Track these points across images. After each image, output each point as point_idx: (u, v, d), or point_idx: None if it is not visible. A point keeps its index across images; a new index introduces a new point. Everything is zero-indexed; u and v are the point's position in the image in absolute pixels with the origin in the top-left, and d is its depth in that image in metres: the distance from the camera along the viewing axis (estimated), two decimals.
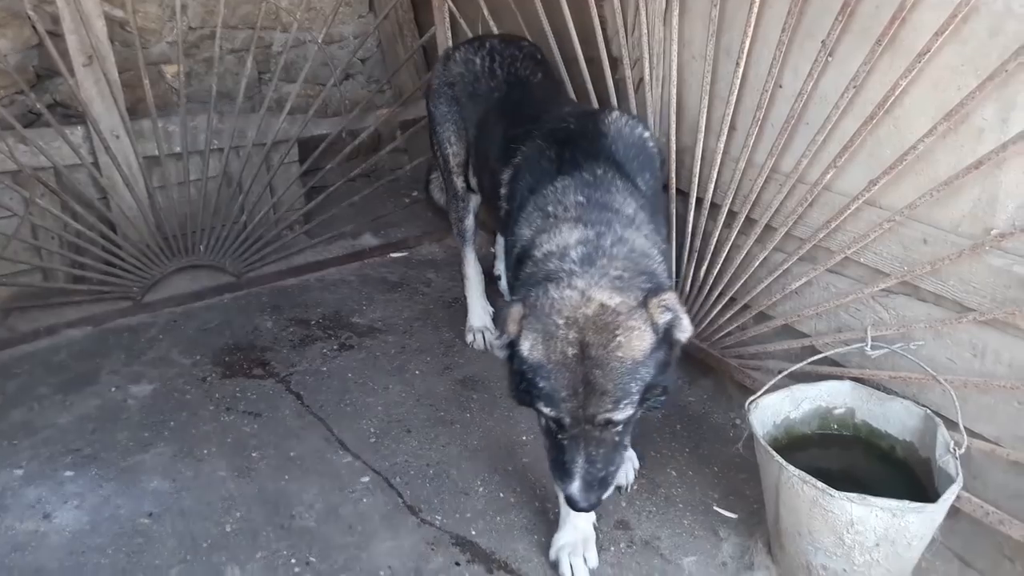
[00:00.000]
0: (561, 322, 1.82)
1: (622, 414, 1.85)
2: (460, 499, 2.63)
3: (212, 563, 2.40)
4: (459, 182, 3.29)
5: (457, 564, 2.38)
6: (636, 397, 1.85)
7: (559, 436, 1.91)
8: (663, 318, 1.85)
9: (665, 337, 1.87)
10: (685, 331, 1.89)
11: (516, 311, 1.87)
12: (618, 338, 1.80)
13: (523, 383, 1.90)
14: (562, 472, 1.92)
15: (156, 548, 2.46)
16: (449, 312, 3.83)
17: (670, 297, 1.86)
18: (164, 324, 3.79)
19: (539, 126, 2.50)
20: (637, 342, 1.82)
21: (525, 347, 1.85)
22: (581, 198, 2.14)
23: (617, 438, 1.93)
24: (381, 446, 2.89)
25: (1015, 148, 1.95)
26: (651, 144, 2.50)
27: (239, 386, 3.26)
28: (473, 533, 2.49)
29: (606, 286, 1.87)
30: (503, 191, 2.50)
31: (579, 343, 1.80)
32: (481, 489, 2.68)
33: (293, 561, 2.40)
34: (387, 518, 2.56)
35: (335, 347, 3.55)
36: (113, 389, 3.26)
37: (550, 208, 2.15)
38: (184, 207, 4.04)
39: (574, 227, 2.05)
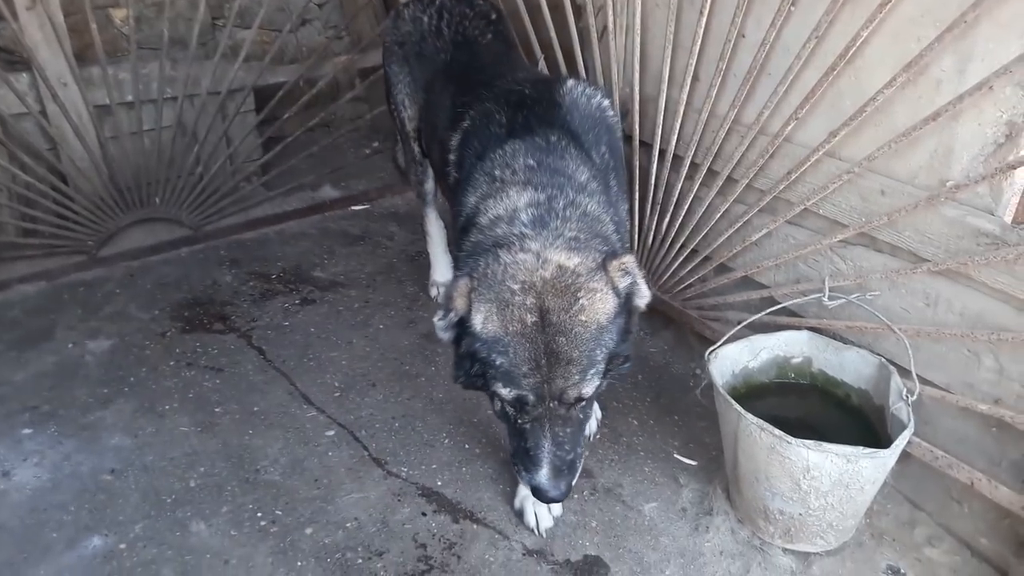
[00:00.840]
0: (517, 287, 1.69)
1: (590, 386, 1.73)
2: (426, 451, 2.65)
3: (177, 518, 2.40)
4: (416, 148, 3.08)
5: (424, 514, 2.41)
6: (601, 367, 1.74)
7: (519, 421, 1.78)
8: (623, 282, 1.76)
9: (625, 302, 1.78)
10: (644, 297, 1.80)
11: (463, 285, 1.72)
12: (580, 301, 1.69)
13: (475, 365, 1.76)
14: (528, 461, 1.78)
15: (119, 504, 2.45)
16: (412, 266, 3.81)
17: (630, 260, 1.78)
18: (120, 278, 3.72)
19: (490, 89, 2.34)
20: (600, 305, 1.72)
21: (477, 321, 1.70)
22: (531, 162, 2.00)
23: (582, 415, 1.82)
24: (346, 400, 2.89)
25: (971, 100, 1.97)
26: (610, 114, 2.33)
27: (199, 341, 3.23)
28: (439, 484, 2.52)
29: (562, 247, 1.76)
30: (452, 158, 2.34)
31: (538, 309, 1.67)
32: (446, 441, 2.70)
33: (259, 515, 2.41)
34: (353, 471, 2.57)
35: (297, 301, 3.51)
36: (70, 345, 3.21)
37: (497, 172, 2.01)
38: (138, 158, 3.93)
39: (523, 190, 1.93)
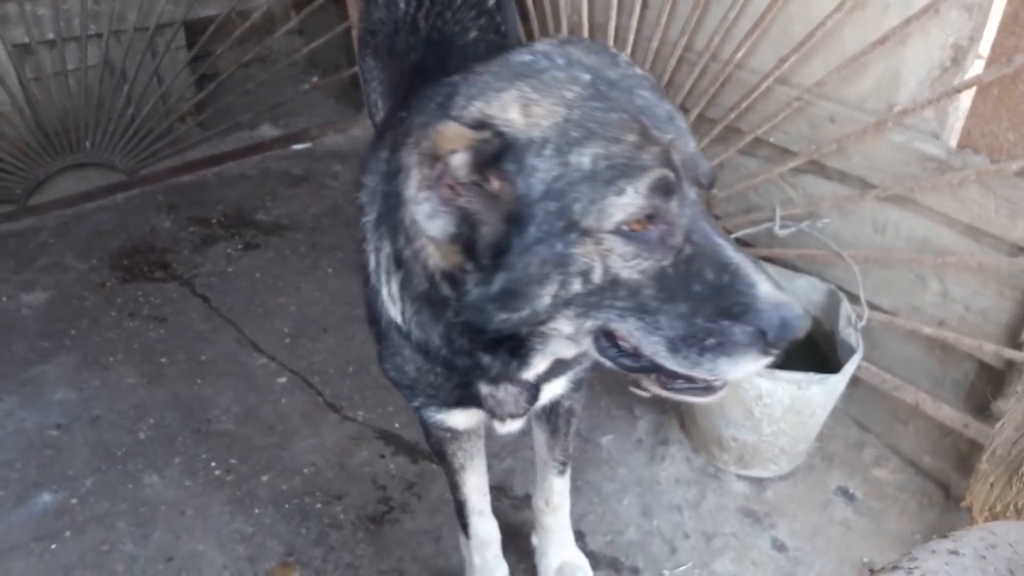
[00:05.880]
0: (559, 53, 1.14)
1: None
2: (382, 394, 2.62)
3: (128, 471, 2.35)
4: None
5: (382, 456, 2.40)
6: None
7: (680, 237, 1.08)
8: None
9: None
10: None
11: (452, 123, 1.07)
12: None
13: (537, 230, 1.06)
14: (736, 281, 1.07)
15: (68, 459, 2.39)
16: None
17: None
18: (54, 228, 3.56)
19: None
20: None
21: (513, 116, 1.06)
22: None
23: None
24: (297, 346, 2.84)
25: (918, 23, 1.97)
26: None
27: (141, 290, 3.13)
28: (397, 426, 2.50)
29: None
30: None
31: (587, 68, 1.12)
32: None
33: (213, 464, 2.37)
34: (308, 417, 2.54)
35: (240, 246, 3.42)
36: (4, 299, 3.08)
37: None
38: (64, 100, 3.73)
39: None
